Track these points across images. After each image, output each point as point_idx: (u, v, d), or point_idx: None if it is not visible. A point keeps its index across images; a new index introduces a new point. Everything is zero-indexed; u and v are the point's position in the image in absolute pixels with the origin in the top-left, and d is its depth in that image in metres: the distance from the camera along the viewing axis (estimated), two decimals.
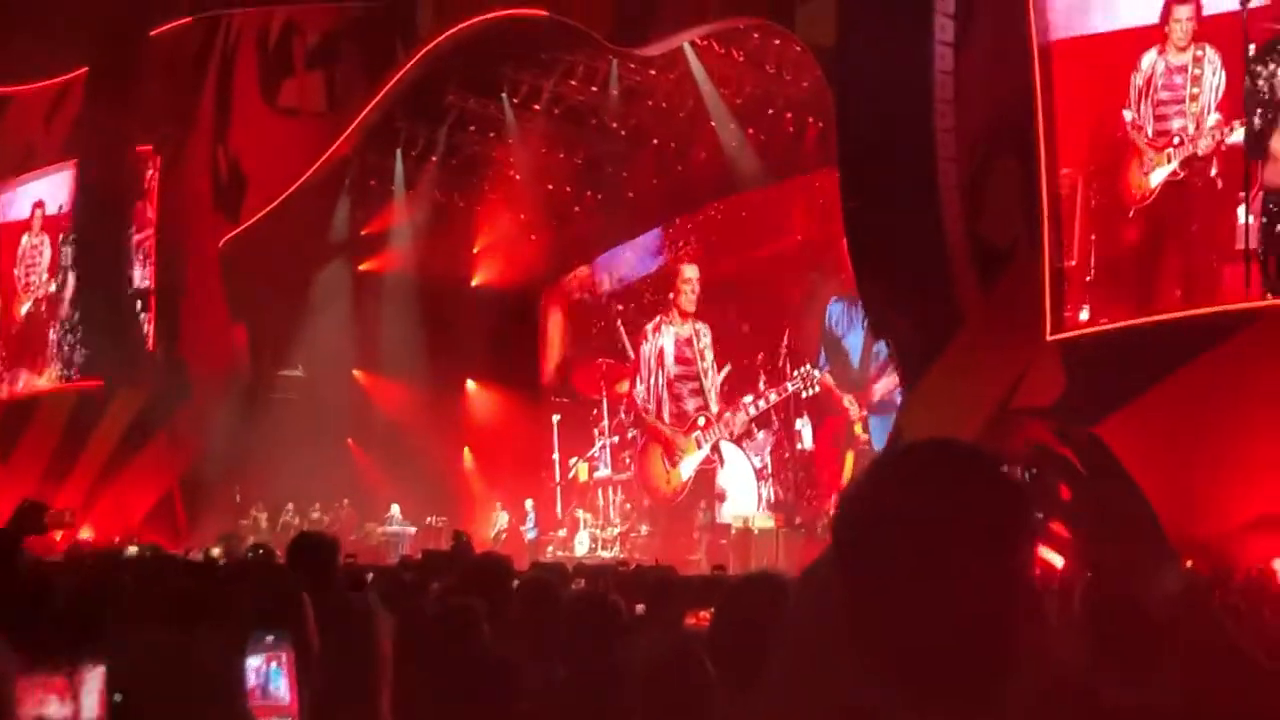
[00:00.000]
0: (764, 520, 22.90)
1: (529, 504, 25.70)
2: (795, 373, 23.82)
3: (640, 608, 6.49)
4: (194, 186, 25.80)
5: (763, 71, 22.81)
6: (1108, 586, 4.75)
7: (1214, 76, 15.56)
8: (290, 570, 5.77)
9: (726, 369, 25.57)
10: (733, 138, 23.85)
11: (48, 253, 28.41)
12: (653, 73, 23.55)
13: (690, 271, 26.29)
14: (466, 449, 28.13)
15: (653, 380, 26.60)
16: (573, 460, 27.79)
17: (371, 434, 26.34)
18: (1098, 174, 16.55)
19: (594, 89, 23.96)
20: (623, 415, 27.32)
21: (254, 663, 2.81)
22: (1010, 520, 1.76)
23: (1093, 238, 16.46)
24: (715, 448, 25.27)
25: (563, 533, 26.10)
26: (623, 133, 25.17)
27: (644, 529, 25.40)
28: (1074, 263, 16.48)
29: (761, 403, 24.54)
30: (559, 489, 27.78)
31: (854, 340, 23.44)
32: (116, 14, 25.24)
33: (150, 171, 26.45)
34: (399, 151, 25.36)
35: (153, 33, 26.00)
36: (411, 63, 23.18)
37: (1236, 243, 15.20)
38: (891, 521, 1.73)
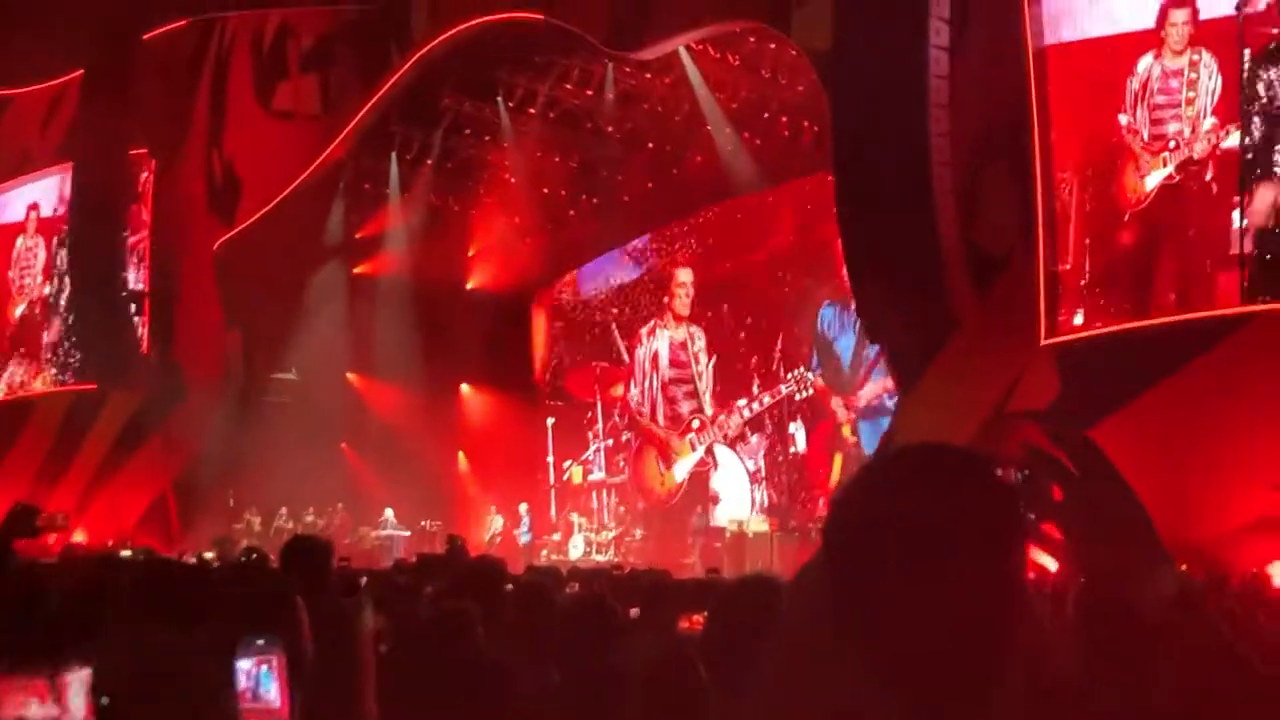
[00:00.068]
0: (758, 523, 22.93)
1: (523, 508, 25.70)
2: (789, 375, 23.84)
3: (634, 611, 6.48)
4: (188, 189, 25.79)
5: (758, 76, 22.83)
6: (1101, 590, 4.75)
7: (1210, 81, 15.58)
8: (284, 574, 5.76)
9: (714, 359, 25.60)
10: (728, 142, 23.86)
11: (42, 255, 28.39)
12: (648, 77, 23.56)
13: (685, 275, 26.32)
14: (461, 452, 28.13)
15: (647, 383, 26.62)
16: (567, 463, 27.81)
17: (366, 437, 26.32)
18: (1093, 178, 16.56)
19: (589, 93, 23.95)
20: (617, 418, 27.33)
21: (244, 666, 2.80)
22: (1002, 524, 1.76)
23: (1087, 242, 16.47)
24: (709, 450, 25.30)
25: (557, 536, 26.09)
26: (618, 137, 25.16)
27: (638, 532, 25.41)
28: (1068, 267, 16.50)
29: (755, 405, 24.57)
30: (553, 492, 27.79)
31: (845, 344, 23.51)
32: (111, 17, 25.20)
33: (145, 174, 26.43)
34: (394, 155, 25.34)
35: (147, 36, 25.96)
36: (406, 66, 23.17)
37: (1231, 247, 15.20)
38: (883, 525, 1.73)
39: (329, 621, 4.93)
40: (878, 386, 22.70)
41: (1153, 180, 16.00)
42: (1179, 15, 15.85)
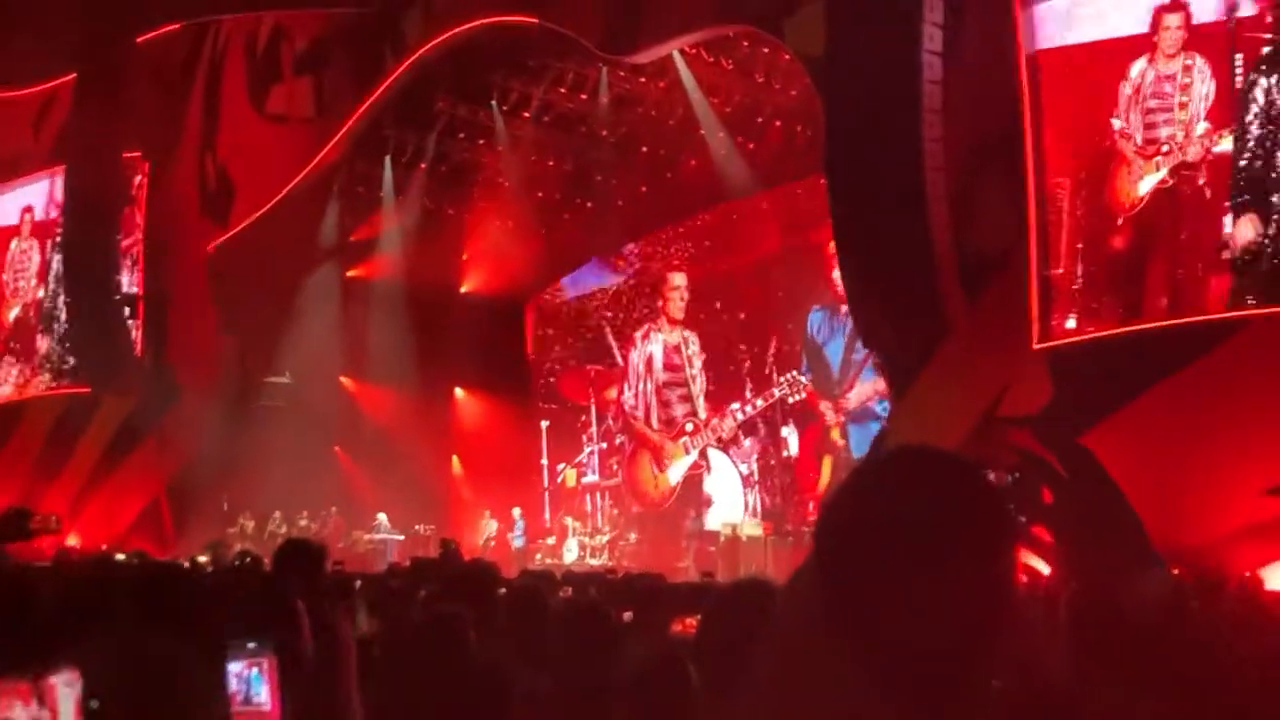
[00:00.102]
0: (752, 527, 22.93)
1: (516, 512, 25.70)
2: (781, 379, 23.85)
3: (627, 615, 6.49)
4: (182, 192, 25.77)
5: (752, 80, 22.86)
6: (1092, 593, 4.76)
7: (1203, 86, 15.59)
8: (281, 578, 5.76)
9: (705, 358, 25.64)
10: (722, 146, 23.87)
11: (36, 258, 28.36)
12: (642, 81, 23.57)
13: (678, 279, 26.34)
14: (455, 456, 28.13)
15: (641, 386, 26.63)
16: (561, 466, 27.82)
17: (359, 441, 26.31)
18: (1085, 183, 16.56)
19: (583, 97, 23.95)
20: (611, 422, 27.34)
21: (235, 669, 2.81)
22: (991, 527, 1.77)
23: (1080, 246, 16.47)
24: (703, 454, 25.31)
25: (551, 540, 26.07)
26: (612, 141, 25.16)
27: (632, 536, 25.39)
28: (1061, 271, 16.50)
29: (748, 409, 24.57)
30: (547, 495, 27.79)
31: (834, 349, 23.55)
32: (105, 20, 25.17)
33: (139, 177, 26.39)
34: (388, 158, 25.33)
35: (141, 39, 25.94)
36: (400, 69, 23.16)
37: (1224, 252, 15.22)
38: (873, 528, 1.73)
39: (322, 625, 4.93)
40: (867, 389, 22.74)
41: (1146, 185, 16.01)
42: (1172, 20, 15.86)
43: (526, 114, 24.37)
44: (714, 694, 3.32)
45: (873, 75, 16.37)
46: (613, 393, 27.26)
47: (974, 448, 14.44)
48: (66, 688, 2.22)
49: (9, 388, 28.15)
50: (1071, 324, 16.47)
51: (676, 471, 25.64)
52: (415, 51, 22.98)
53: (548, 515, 27.50)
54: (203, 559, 14.75)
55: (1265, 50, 15.05)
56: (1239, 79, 15.20)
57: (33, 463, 26.33)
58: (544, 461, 28.00)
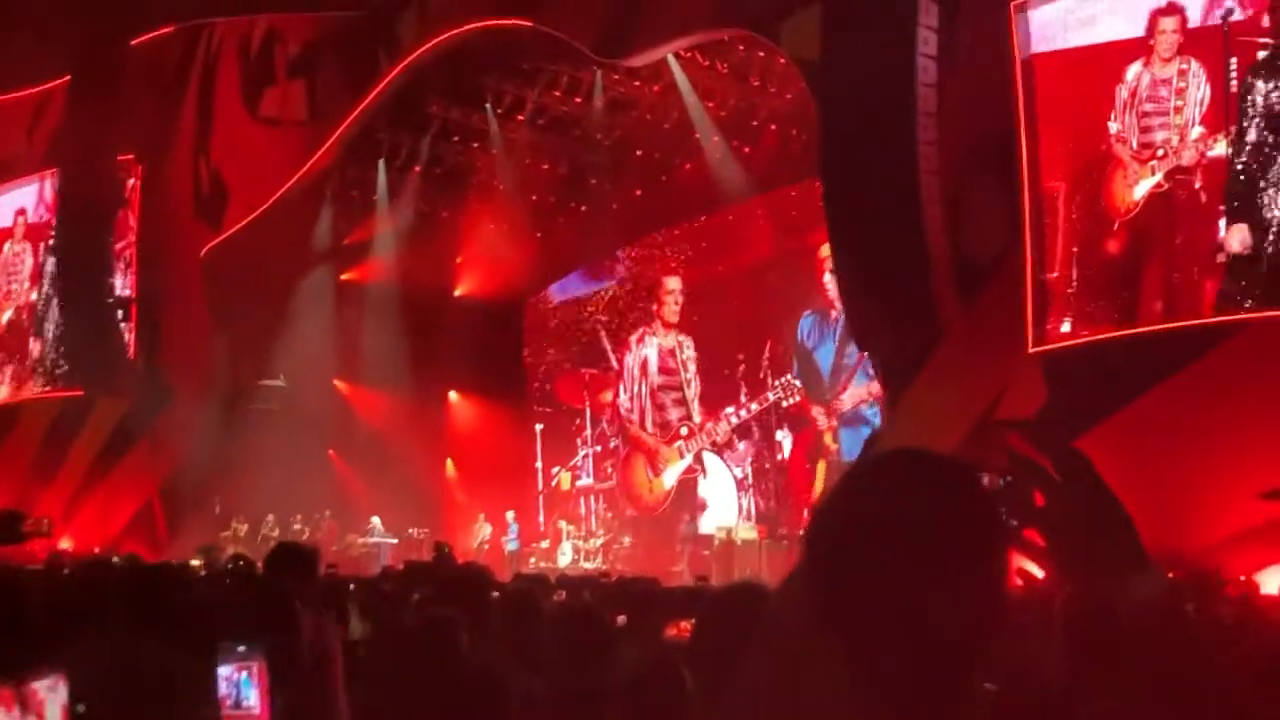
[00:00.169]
0: (746, 531, 22.90)
1: (510, 515, 25.68)
2: (776, 383, 23.84)
3: (621, 619, 6.47)
4: (176, 195, 25.74)
5: (747, 84, 22.85)
6: (1086, 596, 4.73)
7: (1198, 91, 15.59)
8: (279, 582, 5.74)
9: (699, 361, 25.65)
10: (716, 150, 23.86)
11: (29, 261, 28.32)
12: (637, 84, 23.56)
13: (673, 283, 26.34)
14: (449, 460, 28.09)
15: (636, 390, 26.63)
16: (555, 470, 27.79)
17: (353, 444, 26.27)
18: (1081, 186, 16.56)
19: (578, 100, 23.94)
20: (606, 425, 27.33)
21: (225, 672, 2.80)
22: (982, 529, 1.76)
23: (1075, 250, 16.47)
24: (698, 457, 25.30)
25: (545, 544, 26.04)
26: (607, 144, 25.16)
27: (626, 540, 25.37)
28: (1056, 275, 16.50)
29: (743, 412, 24.57)
30: (541, 499, 27.76)
31: (825, 354, 23.58)
32: (98, 23, 25.15)
33: (132, 180, 26.36)
34: (382, 161, 25.31)
35: (134, 41, 25.93)
36: (394, 72, 23.13)
37: (1218, 256, 15.22)
38: (864, 531, 1.73)
39: (314, 629, 4.91)
40: (860, 391, 22.74)
41: (1141, 189, 16.01)
42: (1168, 23, 15.86)
43: (521, 117, 24.37)
44: (708, 698, 3.30)
45: (868, 79, 16.38)
46: (608, 396, 27.25)
47: (969, 451, 14.43)
48: (50, 692, 2.20)
49: (3, 390, 28.11)
50: (1066, 328, 16.48)
51: (671, 475, 25.62)
52: (409, 54, 22.96)
53: (542, 519, 27.47)
54: (195, 562, 14.73)
55: (1260, 55, 15.06)
56: (1234, 83, 15.20)
57: (27, 466, 26.30)
58: (538, 465, 27.96)
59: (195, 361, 25.04)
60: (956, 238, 16.52)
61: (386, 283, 26.21)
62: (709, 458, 25.21)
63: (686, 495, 25.26)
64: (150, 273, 25.92)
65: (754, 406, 24.37)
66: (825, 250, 22.44)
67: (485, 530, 25.89)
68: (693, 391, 25.78)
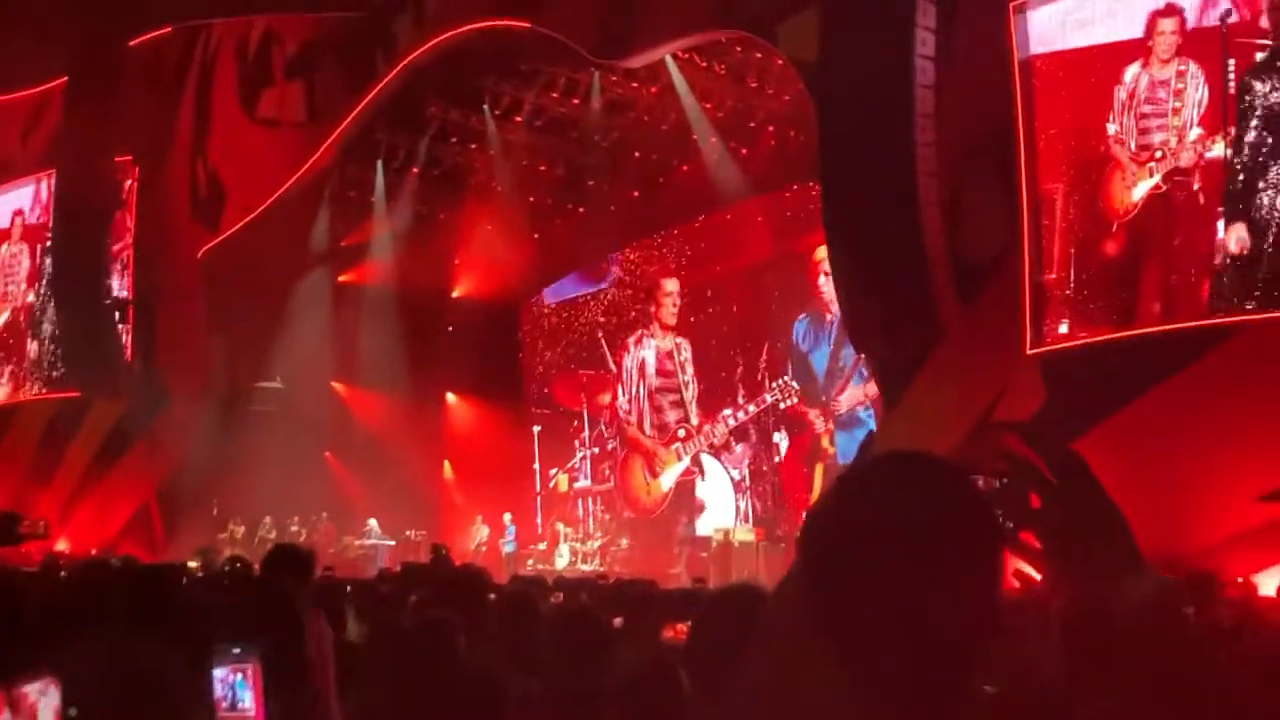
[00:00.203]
0: (744, 533, 22.89)
1: (507, 517, 25.68)
2: (773, 385, 23.84)
3: (618, 621, 6.46)
4: (173, 196, 25.74)
5: (745, 85, 22.84)
6: (1083, 598, 4.73)
7: (1196, 92, 15.58)
8: (279, 583, 5.74)
9: (696, 358, 25.67)
10: (714, 151, 23.86)
11: (26, 262, 28.32)
12: (635, 85, 23.55)
13: (671, 285, 26.33)
14: (446, 461, 28.10)
15: (634, 392, 26.62)
16: (553, 471, 27.79)
17: (351, 446, 26.27)
18: (1079, 187, 16.55)
19: (575, 101, 23.93)
20: (603, 427, 27.32)
21: (220, 674, 2.79)
22: (977, 531, 1.76)
23: (1073, 251, 16.47)
24: (695, 459, 25.29)
25: (543, 545, 26.04)
26: (604, 145, 25.15)
27: (624, 542, 25.35)
28: (1054, 276, 16.49)
29: (741, 414, 24.56)
30: (539, 500, 27.76)
31: (820, 356, 23.58)
32: (96, 23, 25.14)
33: (129, 181, 26.35)
34: (379, 163, 25.30)
35: (132, 42, 25.93)
36: (392, 74, 23.12)
37: (1216, 258, 15.21)
38: (858, 532, 1.72)
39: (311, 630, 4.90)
40: (857, 393, 22.74)
41: (1139, 190, 16.00)
42: (1167, 25, 15.85)
43: (518, 119, 24.36)
44: (705, 700, 3.29)
45: (866, 80, 16.37)
46: (605, 398, 27.24)
47: (967, 452, 14.42)
48: (42, 696, 2.18)
49: (2, 391, 28.10)
50: (1064, 329, 16.47)
51: (669, 477, 25.62)
52: (407, 56, 22.94)
53: (539, 521, 27.48)
54: (193, 564, 14.72)
55: (1258, 56, 15.06)
56: (1232, 84, 15.19)
57: (24, 467, 26.29)
58: (536, 467, 27.98)
59: (192, 363, 25.02)
60: (954, 239, 16.52)
61: (384, 284, 26.22)
62: (707, 460, 25.21)
63: (684, 497, 25.25)
64: (147, 274, 25.91)
65: (751, 408, 24.38)
66: (820, 253, 22.48)
67: (483, 532, 25.89)
68: (690, 394, 25.77)
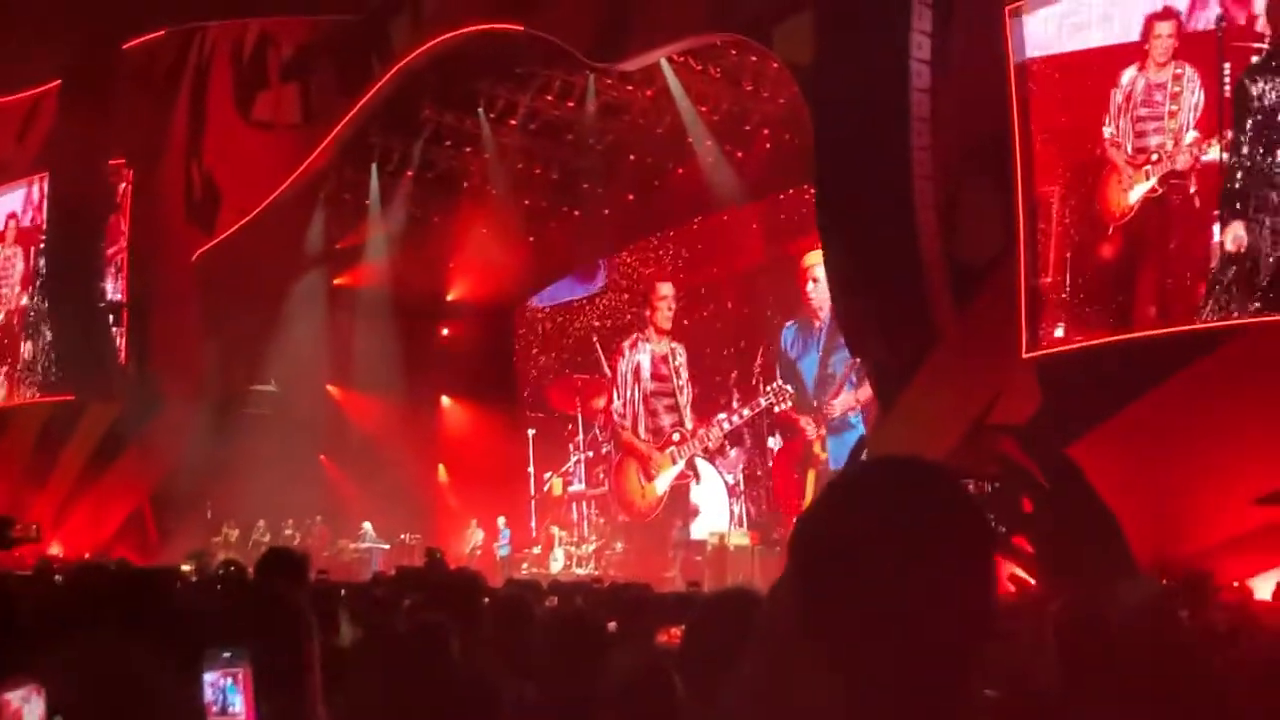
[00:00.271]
0: (739, 537, 22.91)
1: (501, 521, 25.66)
2: (767, 389, 23.84)
3: (613, 625, 6.44)
4: (167, 199, 25.71)
5: (740, 88, 22.84)
6: (1079, 603, 4.73)
7: (1193, 95, 15.58)
8: (275, 586, 5.71)
9: (690, 362, 25.67)
10: (709, 154, 23.84)
11: (20, 266, 28.29)
12: (630, 89, 23.54)
13: (666, 289, 26.35)
14: (441, 465, 28.08)
15: (629, 395, 26.63)
16: (547, 475, 27.78)
17: (345, 449, 26.25)
18: (1075, 191, 16.55)
19: (570, 104, 23.91)
20: (598, 431, 27.32)
21: (210, 678, 2.77)
22: (968, 536, 1.75)
23: (1068, 255, 16.47)
24: (690, 463, 25.29)
25: (537, 549, 26.03)
26: (599, 149, 25.14)
27: (619, 545, 25.37)
28: (1050, 280, 16.49)
29: (735, 418, 24.57)
30: (533, 504, 27.76)
31: (809, 364, 23.60)
32: (90, 26, 25.11)
33: (123, 185, 26.33)
34: (374, 166, 25.28)
35: (126, 45, 25.91)
36: (387, 77, 23.10)
37: (1212, 261, 15.21)
38: (849, 537, 1.71)
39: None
40: (847, 401, 22.76)
41: (1136, 193, 15.99)
42: (1163, 28, 15.85)
43: (513, 121, 24.35)
44: (699, 704, 3.27)
45: (861, 83, 16.38)
46: (600, 402, 27.24)
47: (963, 456, 14.43)
48: (25, 703, 2.16)
49: None
50: (1060, 332, 16.47)
51: (664, 481, 25.63)
52: (402, 59, 22.93)
53: (534, 524, 27.48)
54: (186, 568, 14.69)
55: (1254, 59, 15.06)
56: (1227, 88, 15.20)
57: (18, 471, 26.26)
58: (530, 470, 27.98)
59: (186, 366, 24.98)
60: (950, 243, 16.52)
61: (379, 287, 26.21)
62: (701, 464, 25.21)
63: (679, 501, 25.26)
64: (141, 277, 25.89)
65: (746, 412, 24.38)
66: (808, 259, 22.53)
67: (477, 536, 25.87)
68: (685, 397, 25.77)
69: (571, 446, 27.57)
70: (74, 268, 25.84)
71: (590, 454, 27.31)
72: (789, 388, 23.54)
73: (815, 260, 22.20)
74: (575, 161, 25.70)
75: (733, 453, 24.80)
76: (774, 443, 24.34)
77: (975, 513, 1.79)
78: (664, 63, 21.88)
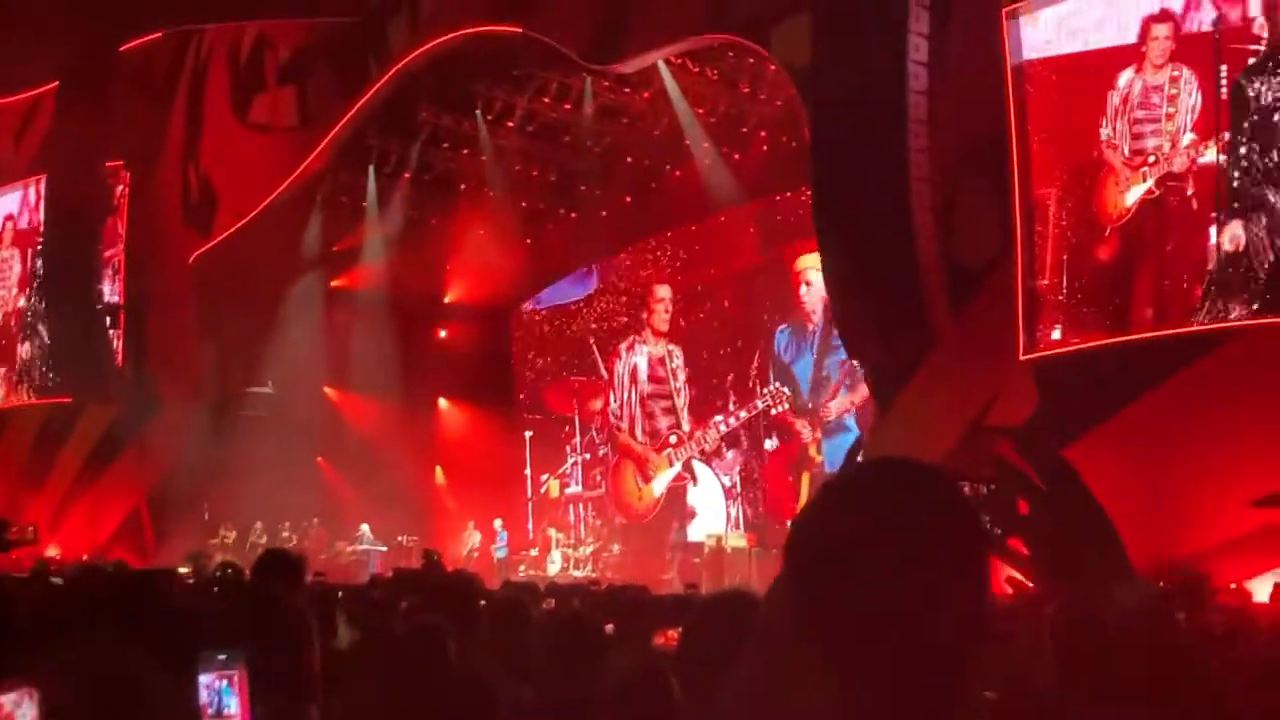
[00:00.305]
0: (736, 539, 22.92)
1: (498, 523, 25.64)
2: (764, 391, 23.85)
3: (610, 627, 6.44)
4: (164, 201, 25.68)
5: (737, 90, 22.85)
6: (1076, 605, 4.74)
7: (1190, 97, 15.59)
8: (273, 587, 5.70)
9: (687, 364, 25.66)
10: (706, 156, 23.84)
11: (17, 267, 28.25)
12: (627, 91, 23.54)
13: (663, 291, 26.35)
14: (438, 467, 28.06)
15: (626, 397, 26.63)
16: (544, 477, 27.77)
17: (342, 452, 26.23)
18: (1072, 193, 16.56)
19: (568, 106, 23.91)
20: (594, 433, 27.31)
21: (206, 680, 2.76)
22: (964, 538, 1.75)
23: (1065, 257, 16.47)
24: (687, 465, 25.29)
25: (534, 552, 26.02)
26: (597, 150, 25.15)
27: (616, 547, 25.37)
28: (1047, 282, 16.49)
29: (732, 420, 24.57)
30: (530, 506, 27.75)
31: (803, 367, 23.61)
32: (87, 28, 25.08)
33: (121, 187, 26.29)
34: (371, 168, 25.27)
35: (123, 47, 25.87)
36: (384, 79, 23.10)
37: (1209, 263, 15.21)
38: (842, 541, 1.71)
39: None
40: (842, 403, 22.79)
41: (1133, 195, 15.99)
42: (1161, 30, 15.85)
43: (510, 123, 24.34)
44: (697, 706, 3.27)
45: (858, 85, 16.36)
46: (597, 404, 27.24)
47: (960, 458, 14.43)
48: (17, 708, 2.15)
49: None
50: (1057, 335, 16.47)
51: (661, 483, 25.63)
52: (400, 61, 22.92)
53: (531, 526, 27.47)
54: (183, 570, 14.68)
55: (1251, 61, 15.07)
56: (1224, 89, 15.21)
57: (15, 473, 26.24)
58: (527, 472, 27.97)
59: (184, 368, 24.96)
60: (947, 244, 16.52)
61: (376, 289, 26.21)
62: (698, 466, 25.21)
63: (676, 503, 25.26)
64: (139, 279, 25.85)
65: (743, 414, 24.38)
66: (800, 262, 22.53)
67: (474, 538, 25.86)
68: (682, 400, 25.77)
69: (568, 448, 27.56)
70: (71, 269, 25.80)
71: (587, 456, 27.31)
72: (786, 390, 23.54)
73: (807, 264, 22.24)
74: (573, 163, 25.71)
75: (729, 455, 24.80)
76: (771, 445, 24.34)
77: (969, 514, 1.79)
78: (661, 64, 21.89)
